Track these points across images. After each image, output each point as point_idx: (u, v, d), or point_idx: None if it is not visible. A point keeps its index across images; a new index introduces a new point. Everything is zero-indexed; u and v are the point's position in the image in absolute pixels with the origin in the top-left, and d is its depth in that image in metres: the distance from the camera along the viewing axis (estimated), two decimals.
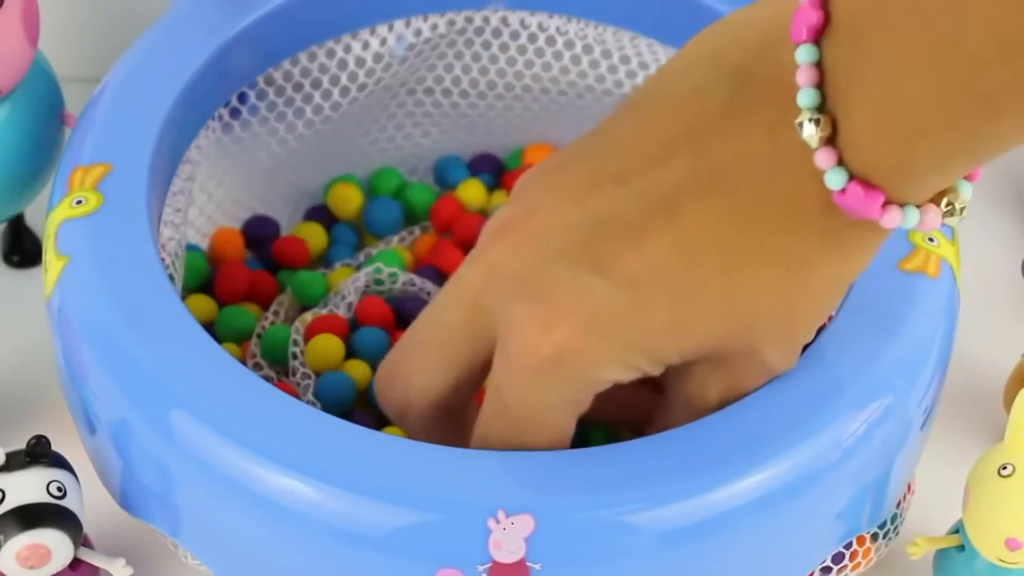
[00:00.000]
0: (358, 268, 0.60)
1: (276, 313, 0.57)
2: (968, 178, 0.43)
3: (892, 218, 0.41)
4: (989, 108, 0.38)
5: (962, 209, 0.43)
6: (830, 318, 0.51)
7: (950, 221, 0.43)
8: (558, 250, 0.44)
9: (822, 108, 0.41)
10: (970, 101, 0.38)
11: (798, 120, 0.41)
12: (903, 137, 0.40)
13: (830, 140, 0.41)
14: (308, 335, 0.55)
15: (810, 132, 0.41)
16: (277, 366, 0.55)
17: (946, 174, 0.41)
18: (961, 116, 0.39)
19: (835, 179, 0.41)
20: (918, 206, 0.42)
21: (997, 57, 0.37)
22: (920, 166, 0.41)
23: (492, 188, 0.63)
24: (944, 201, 0.42)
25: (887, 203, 0.41)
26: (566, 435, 0.46)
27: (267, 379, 0.54)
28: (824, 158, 0.41)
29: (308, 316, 0.56)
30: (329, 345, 0.54)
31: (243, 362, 0.55)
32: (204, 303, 0.57)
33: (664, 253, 0.43)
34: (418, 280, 0.58)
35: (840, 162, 0.41)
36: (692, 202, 0.43)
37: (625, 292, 0.43)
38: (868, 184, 0.41)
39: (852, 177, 0.41)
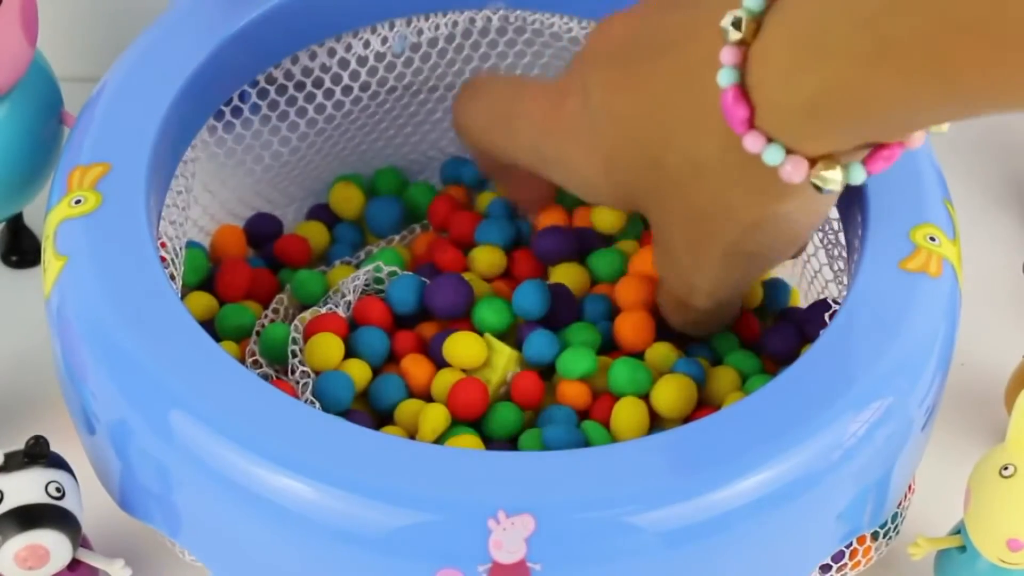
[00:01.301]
0: (357, 266, 0.60)
1: (276, 311, 0.57)
2: (867, 166, 0.44)
3: (754, 142, 0.44)
4: (883, 58, 0.39)
5: (833, 182, 0.44)
6: (831, 316, 0.51)
7: (815, 180, 0.44)
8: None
9: (759, 16, 0.43)
10: (866, 44, 0.40)
11: (732, 12, 0.44)
12: (797, 61, 0.42)
13: (744, 44, 0.43)
14: (307, 334, 0.55)
15: (727, 22, 0.43)
16: (276, 364, 0.55)
17: (825, 126, 0.43)
18: (853, 58, 0.40)
19: (725, 77, 0.44)
20: (789, 152, 0.44)
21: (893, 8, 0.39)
22: (800, 101, 0.42)
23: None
24: (821, 164, 0.44)
25: (753, 126, 0.44)
26: None
27: (265, 377, 0.54)
28: (728, 54, 0.44)
29: (307, 315, 0.56)
30: (328, 344, 0.54)
31: (242, 360, 0.55)
32: (204, 300, 0.57)
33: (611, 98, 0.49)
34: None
35: (739, 66, 0.44)
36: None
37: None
38: (746, 95, 0.43)
39: (740, 84, 0.44)
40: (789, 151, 0.44)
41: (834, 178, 0.44)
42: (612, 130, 0.49)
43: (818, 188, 0.44)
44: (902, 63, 0.39)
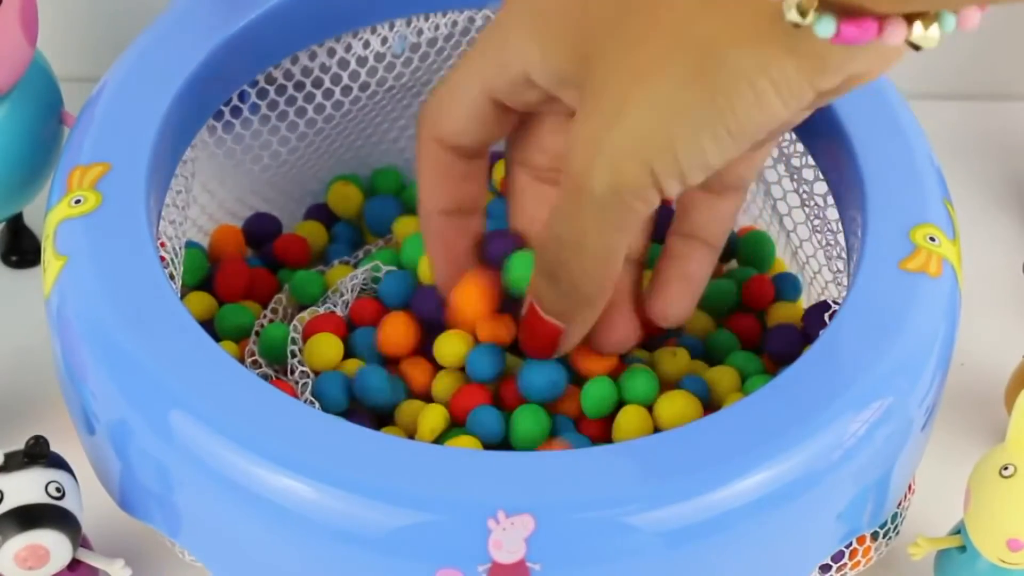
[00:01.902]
0: (355, 266, 0.60)
1: (275, 311, 0.57)
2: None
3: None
4: None
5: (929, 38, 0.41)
6: (831, 316, 0.51)
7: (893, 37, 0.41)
8: None
9: None
10: None
11: None
12: None
13: None
14: (306, 334, 0.55)
15: None
16: (275, 364, 0.55)
17: None
18: None
19: None
20: (844, 16, 0.41)
21: None
22: None
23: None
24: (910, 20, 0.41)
25: None
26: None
27: (265, 377, 0.54)
28: None
29: (306, 315, 0.56)
30: (328, 344, 0.54)
31: (241, 360, 0.55)
32: (203, 300, 0.57)
33: None
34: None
35: None
36: None
37: None
38: None
39: None
40: None
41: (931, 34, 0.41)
42: None
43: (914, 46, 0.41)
44: None
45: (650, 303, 0.53)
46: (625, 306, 0.53)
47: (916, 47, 0.41)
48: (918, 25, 0.41)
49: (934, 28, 0.41)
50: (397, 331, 0.54)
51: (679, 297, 0.53)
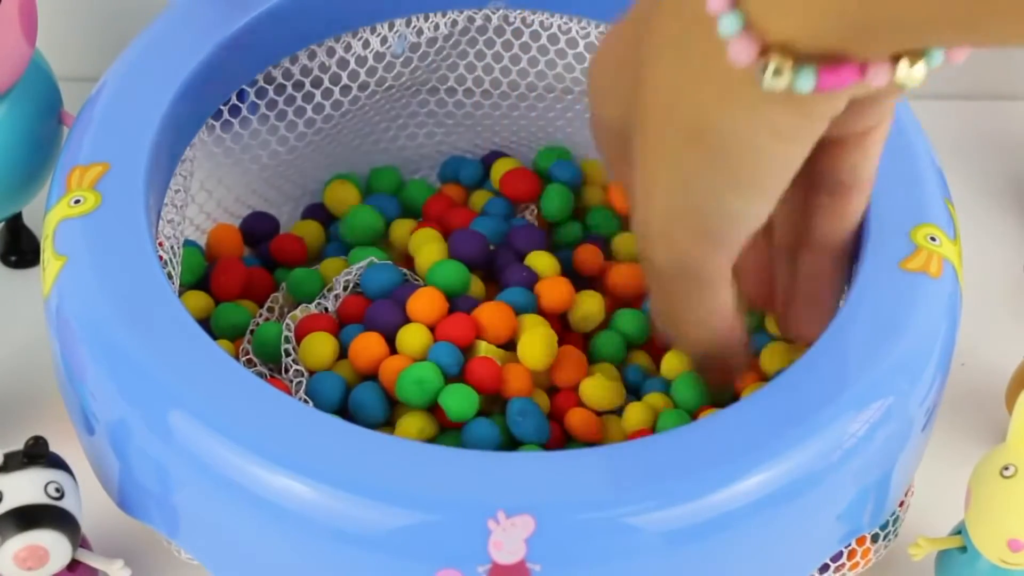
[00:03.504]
0: (349, 261, 0.60)
1: (271, 310, 0.57)
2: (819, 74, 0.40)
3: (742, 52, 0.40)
4: None
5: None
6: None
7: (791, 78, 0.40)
8: None
9: None
10: None
11: None
12: None
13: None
14: (299, 334, 0.55)
15: None
16: (270, 363, 0.55)
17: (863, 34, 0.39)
18: None
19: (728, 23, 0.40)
20: (826, 64, 0.40)
21: None
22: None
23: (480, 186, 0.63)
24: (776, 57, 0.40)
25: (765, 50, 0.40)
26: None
27: (260, 376, 0.54)
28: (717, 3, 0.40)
29: (298, 312, 0.56)
30: (322, 344, 0.54)
31: (236, 359, 0.55)
32: (200, 299, 0.57)
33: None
34: (409, 273, 0.58)
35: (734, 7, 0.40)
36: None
37: None
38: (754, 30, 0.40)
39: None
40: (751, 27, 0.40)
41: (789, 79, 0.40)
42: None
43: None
44: None
45: (784, 324, 0.52)
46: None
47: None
48: (903, 65, 0.40)
49: (920, 67, 0.41)
50: (368, 349, 0.54)
51: (811, 318, 0.51)
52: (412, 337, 0.54)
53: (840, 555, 0.49)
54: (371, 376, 0.54)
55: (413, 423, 0.52)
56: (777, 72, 0.40)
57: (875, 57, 0.40)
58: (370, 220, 0.60)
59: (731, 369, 0.52)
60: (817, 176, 0.48)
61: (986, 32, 0.38)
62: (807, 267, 0.51)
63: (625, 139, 0.47)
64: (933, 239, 0.50)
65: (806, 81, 0.40)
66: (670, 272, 0.47)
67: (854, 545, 0.49)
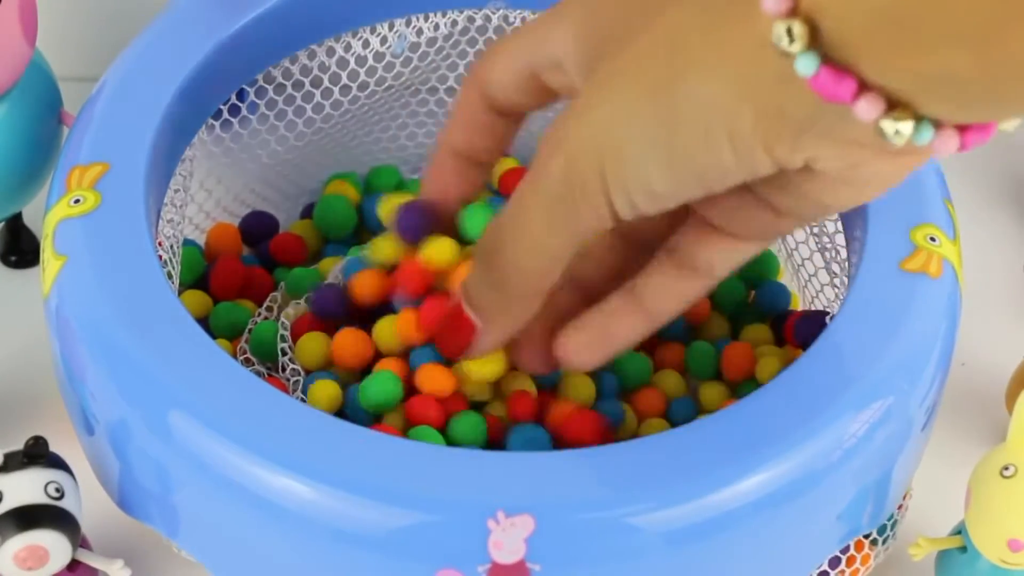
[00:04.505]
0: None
1: (269, 309, 0.57)
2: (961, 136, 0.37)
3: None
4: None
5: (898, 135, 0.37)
6: (831, 317, 0.50)
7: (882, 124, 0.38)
8: None
9: None
10: None
11: None
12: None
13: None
14: (295, 333, 0.55)
15: None
16: (267, 362, 0.55)
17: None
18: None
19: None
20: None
21: None
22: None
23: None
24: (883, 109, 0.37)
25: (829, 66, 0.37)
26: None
27: (257, 375, 0.54)
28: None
29: (291, 310, 0.55)
30: (318, 343, 0.54)
31: (233, 358, 0.54)
32: (199, 298, 0.57)
33: None
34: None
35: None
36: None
37: None
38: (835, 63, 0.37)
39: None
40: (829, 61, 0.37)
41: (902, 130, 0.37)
42: None
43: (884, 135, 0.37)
44: None
45: (559, 339, 0.49)
46: (539, 328, 0.50)
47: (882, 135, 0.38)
48: (888, 122, 0.37)
49: (907, 125, 0.37)
50: (354, 346, 0.54)
51: (587, 348, 0.49)
52: (389, 335, 0.53)
53: (839, 561, 0.49)
54: (365, 372, 0.54)
55: (396, 420, 0.52)
56: (791, 36, 0.38)
57: (875, 85, 0.38)
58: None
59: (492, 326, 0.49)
60: (675, 246, 0.47)
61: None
62: (613, 303, 0.49)
63: (603, 37, 0.45)
64: (933, 239, 0.50)
65: (808, 64, 0.38)
66: (554, 187, 0.45)
67: (853, 551, 0.49)
